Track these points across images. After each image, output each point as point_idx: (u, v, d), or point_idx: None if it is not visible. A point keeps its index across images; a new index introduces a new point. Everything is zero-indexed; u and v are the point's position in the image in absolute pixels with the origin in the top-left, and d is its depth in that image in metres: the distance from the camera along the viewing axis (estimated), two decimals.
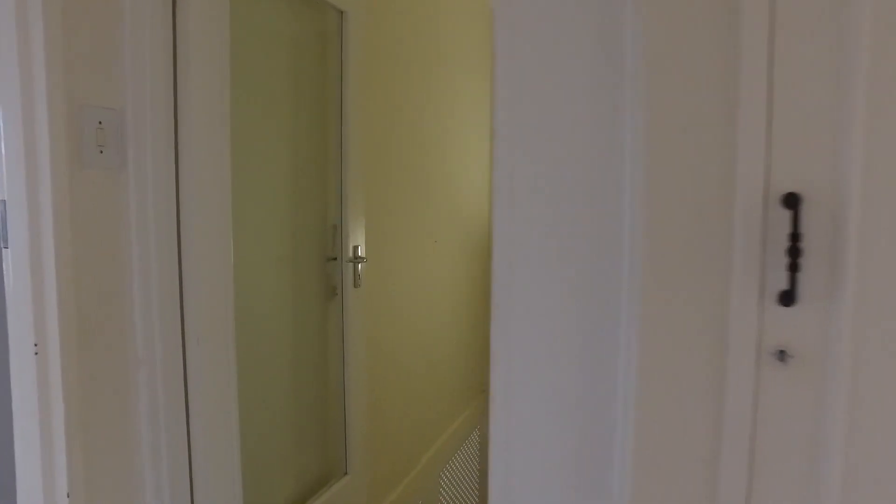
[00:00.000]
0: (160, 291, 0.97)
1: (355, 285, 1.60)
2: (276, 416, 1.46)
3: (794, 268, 0.59)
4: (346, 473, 1.66)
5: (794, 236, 0.59)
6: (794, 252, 0.59)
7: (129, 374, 0.93)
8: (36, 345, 0.81)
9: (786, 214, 0.59)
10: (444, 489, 2.71)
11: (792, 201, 0.59)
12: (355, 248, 1.60)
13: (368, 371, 1.79)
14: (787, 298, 0.59)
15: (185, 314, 1.02)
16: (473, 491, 3.22)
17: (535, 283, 0.73)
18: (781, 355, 0.61)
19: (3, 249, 0.83)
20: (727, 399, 0.63)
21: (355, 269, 1.60)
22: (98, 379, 0.88)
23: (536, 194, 0.71)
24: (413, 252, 2.23)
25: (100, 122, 0.89)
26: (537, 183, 0.71)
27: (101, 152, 0.90)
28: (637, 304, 0.66)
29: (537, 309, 0.73)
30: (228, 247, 1.13)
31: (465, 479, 3.03)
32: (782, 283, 0.59)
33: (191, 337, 1.02)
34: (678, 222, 0.64)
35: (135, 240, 0.94)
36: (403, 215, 2.11)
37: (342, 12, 1.55)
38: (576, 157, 0.69)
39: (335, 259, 1.59)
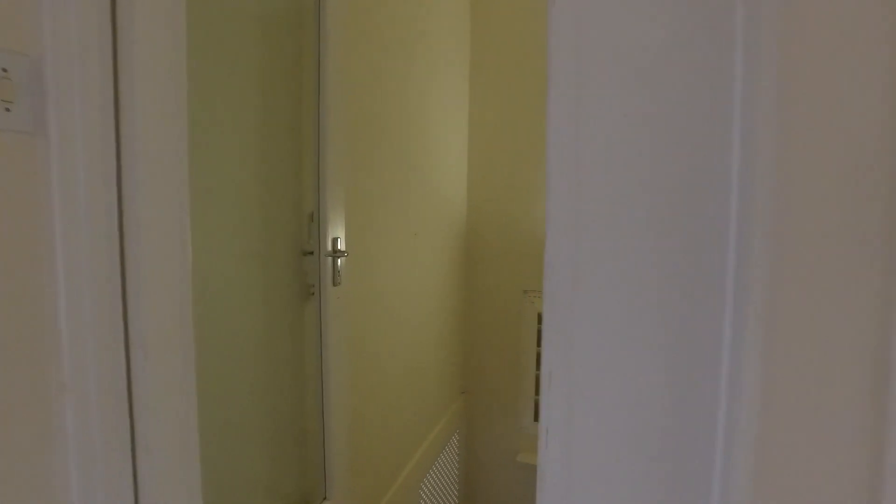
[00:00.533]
0: (95, 294, 0.75)
1: (334, 283, 1.39)
2: (245, 436, 1.25)
3: None
4: (325, 498, 1.46)
5: None
6: None
7: (50, 404, 0.71)
8: None
9: None
10: (423, 501, 2.52)
11: None
12: (335, 240, 1.39)
13: (350, 381, 1.59)
14: None
15: (129, 322, 0.80)
16: (453, 499, 3.04)
17: (607, 285, 0.55)
18: None
19: None
20: (892, 444, 0.46)
21: (334, 264, 1.39)
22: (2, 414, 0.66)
23: (613, 162, 0.53)
24: (394, 246, 2.03)
25: (4, 70, 0.67)
26: (615, 147, 0.53)
27: (8, 110, 0.68)
28: (756, 318, 0.48)
29: (610, 320, 0.55)
30: (185, 237, 0.91)
31: (445, 487, 2.85)
32: None
33: (136, 350, 0.81)
34: (829, 198, 0.46)
35: (59, 226, 0.72)
36: (384, 205, 1.91)
37: None
38: (667, 106, 0.51)
39: (311, 253, 1.38)
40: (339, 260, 1.39)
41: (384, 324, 1.96)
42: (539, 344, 3.27)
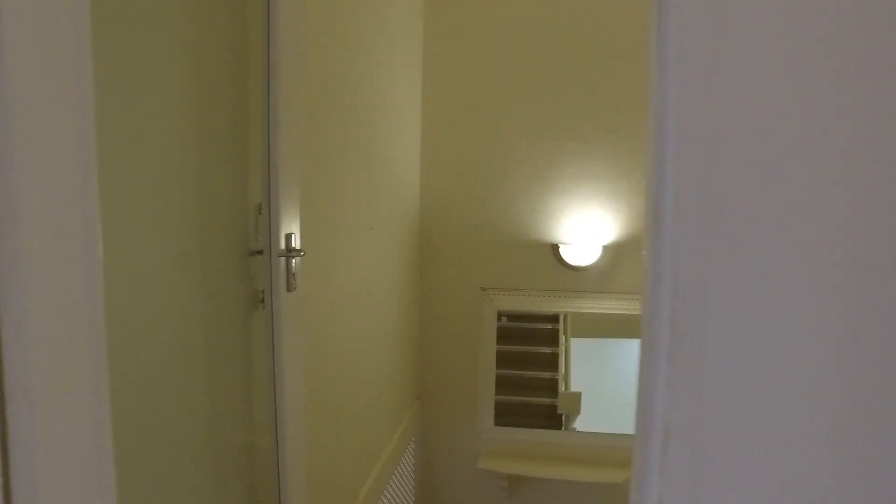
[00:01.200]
0: None
1: (289, 288, 1.16)
2: (186, 473, 1.01)
3: None
4: None
5: None
6: None
7: None
8: None
9: None
10: None
11: None
12: (288, 237, 1.15)
13: (306, 398, 1.35)
14: None
15: (4, 358, 0.55)
16: None
17: (763, 311, 0.36)
18: None
19: None
20: None
21: (288, 265, 1.15)
22: None
23: (767, 118, 0.34)
24: (352, 242, 1.80)
25: None
26: (767, 98, 0.34)
27: None
28: None
29: (764, 360, 0.37)
30: (92, 236, 0.65)
31: (402, 501, 2.65)
32: None
33: (17, 401, 0.56)
34: None
35: None
36: (341, 196, 1.68)
37: None
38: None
39: (260, 253, 1.14)
40: (293, 260, 1.16)
41: (342, 330, 1.73)
42: (500, 343, 3.14)
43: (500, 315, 2.88)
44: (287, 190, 1.12)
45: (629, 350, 4.77)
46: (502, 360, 2.90)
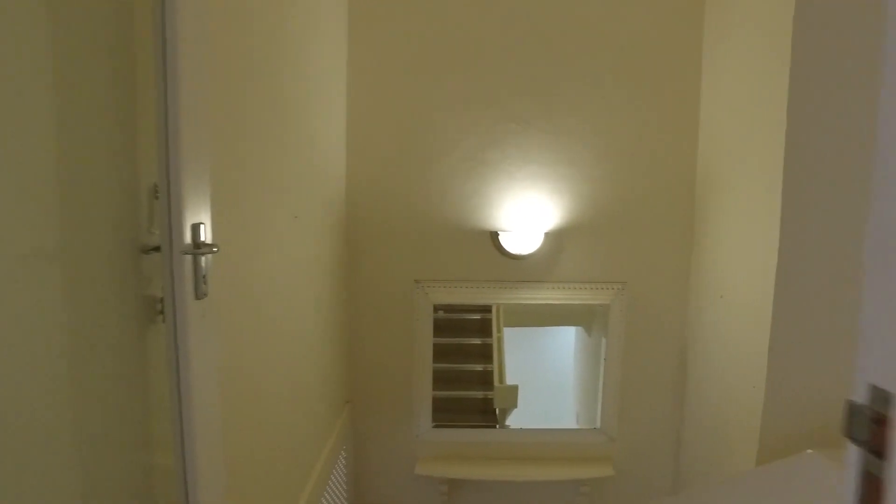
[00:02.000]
0: None
1: (198, 294, 0.89)
2: None
3: None
4: None
5: None
6: None
7: None
8: None
9: None
10: None
11: None
12: (196, 228, 0.88)
13: (221, 426, 1.09)
14: None
15: None
16: None
17: None
18: None
19: None
20: None
21: (197, 265, 0.88)
22: None
23: None
24: (274, 233, 1.52)
25: None
26: None
27: None
28: None
29: None
30: None
31: None
32: None
33: None
34: None
35: None
36: (262, 180, 1.40)
37: None
38: None
39: (157, 250, 0.86)
40: (203, 258, 0.89)
41: (264, 334, 1.46)
42: (438, 335, 2.93)
43: (436, 308, 2.68)
44: (192, 167, 0.85)
45: (559, 338, 4.74)
46: (435, 354, 2.70)
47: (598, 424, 2.73)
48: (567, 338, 4.51)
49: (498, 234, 2.53)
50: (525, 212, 2.53)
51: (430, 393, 2.70)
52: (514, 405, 3.39)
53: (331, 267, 2.27)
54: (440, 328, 2.75)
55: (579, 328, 4.16)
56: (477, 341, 3.87)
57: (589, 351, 3.75)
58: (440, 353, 2.75)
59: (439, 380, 2.76)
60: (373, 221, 2.56)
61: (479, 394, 3.68)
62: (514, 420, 3.52)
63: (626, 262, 2.59)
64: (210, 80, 0.97)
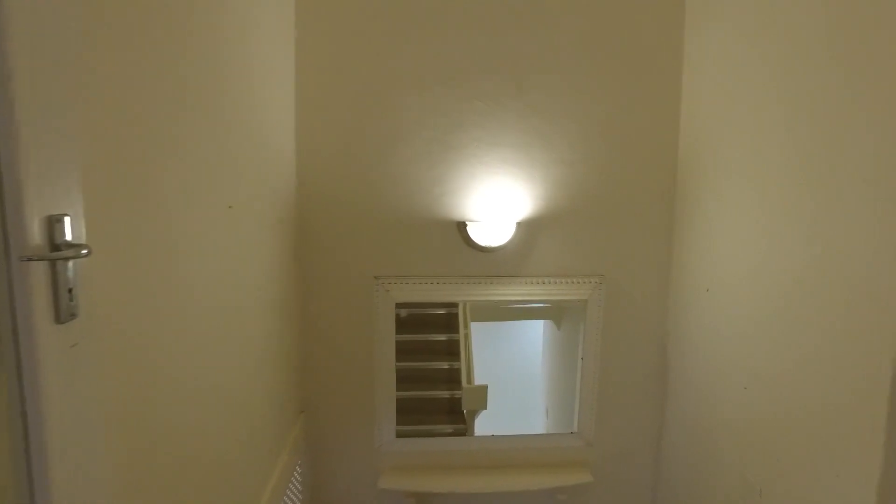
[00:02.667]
0: None
1: (60, 317, 0.63)
2: None
3: None
4: None
5: None
6: None
7: None
8: None
9: None
10: None
11: None
12: (53, 222, 0.62)
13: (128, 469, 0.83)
14: None
15: None
16: None
17: None
18: None
19: None
20: None
21: (56, 275, 0.62)
22: None
23: None
24: (200, 226, 1.25)
25: None
26: None
27: None
28: None
29: None
30: None
31: None
32: None
33: None
34: None
35: None
36: (180, 156, 1.13)
37: None
38: None
39: None
40: (68, 265, 0.63)
41: (185, 351, 1.20)
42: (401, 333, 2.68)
43: (400, 305, 2.43)
44: (42, 128, 0.58)
45: (527, 332, 4.56)
46: (398, 352, 2.46)
47: (575, 428, 2.54)
48: (535, 332, 4.34)
49: (466, 225, 2.30)
50: (495, 200, 2.30)
51: (393, 398, 2.46)
52: (484, 406, 3.18)
53: (278, 263, 2.00)
54: (402, 324, 2.51)
55: (548, 322, 3.99)
56: (442, 338, 3.64)
57: (558, 345, 3.58)
58: (402, 351, 2.51)
59: (403, 379, 2.52)
60: (327, 212, 2.29)
61: (445, 393, 3.45)
62: (481, 418, 3.32)
63: (604, 254, 2.40)
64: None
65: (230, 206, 1.45)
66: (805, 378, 1.60)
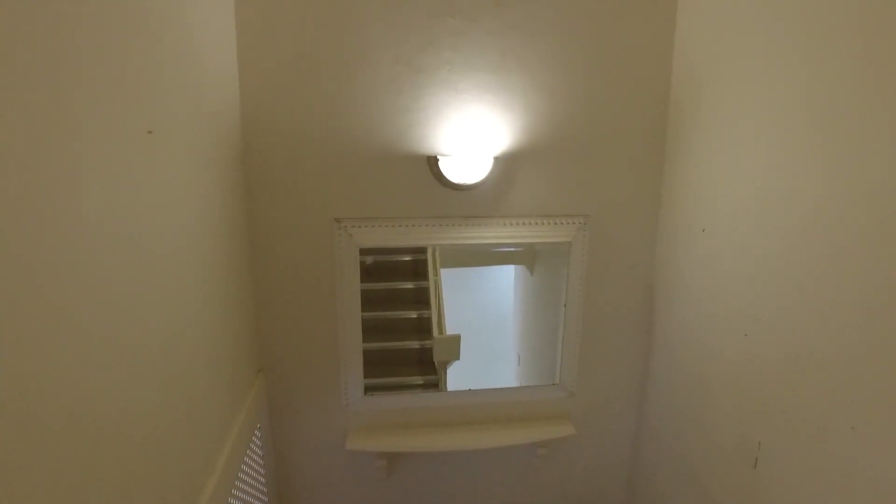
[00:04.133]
0: None
1: None
2: None
3: None
4: None
5: None
6: None
7: None
8: None
9: None
10: None
11: None
12: None
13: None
14: None
15: None
16: None
17: None
18: None
19: None
20: None
21: None
22: None
23: None
24: (102, 155, 0.96)
25: None
26: None
27: None
28: None
29: None
30: None
31: None
32: None
33: None
34: None
35: None
36: (74, 71, 0.84)
37: None
38: None
39: None
40: None
41: (95, 317, 0.94)
42: (365, 280, 2.44)
43: (363, 252, 2.19)
44: None
45: (498, 278, 4.40)
46: (362, 301, 2.24)
47: (557, 379, 2.39)
48: (506, 278, 4.18)
49: (437, 160, 2.04)
50: (470, 132, 2.04)
51: (359, 352, 2.25)
52: (456, 357, 3.01)
53: (222, 204, 1.71)
54: (367, 273, 2.28)
55: (520, 267, 3.82)
56: (410, 285, 3.41)
57: (531, 291, 3.42)
58: (368, 301, 2.29)
59: (369, 330, 2.31)
60: (279, 146, 1.99)
61: (415, 344, 3.26)
62: (453, 369, 3.16)
63: (590, 193, 2.19)
64: None
65: (150, 132, 1.15)
66: (816, 323, 1.44)
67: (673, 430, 2.20)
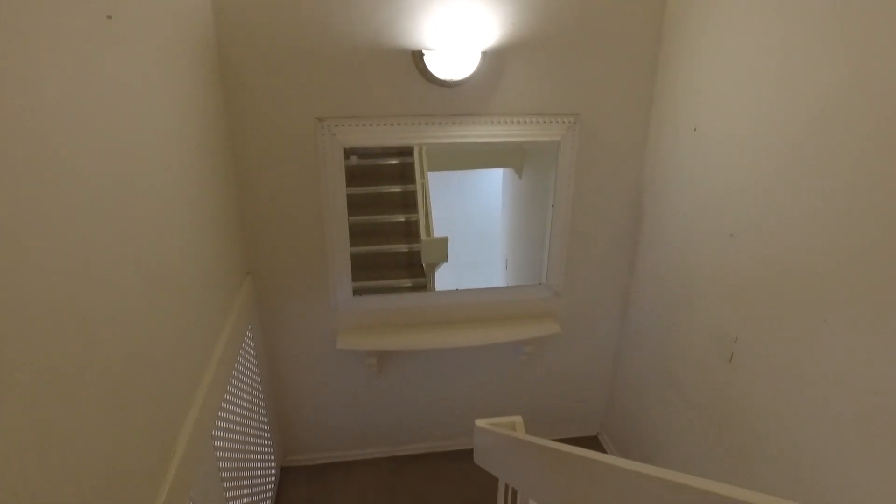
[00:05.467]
0: None
1: None
2: None
3: None
4: None
5: None
6: None
7: None
8: None
9: None
10: (221, 447, 1.69)
11: None
12: None
13: None
14: None
15: None
16: (261, 424, 2.25)
17: None
18: None
19: None
20: None
21: None
22: None
23: None
24: (56, 43, 0.89)
25: None
26: None
27: None
28: None
29: None
30: None
31: (247, 410, 2.03)
32: None
33: None
34: None
35: None
36: None
37: None
38: None
39: None
40: None
41: (62, 221, 0.91)
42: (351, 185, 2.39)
43: (348, 152, 2.14)
44: None
45: (485, 181, 4.36)
46: (349, 206, 2.22)
47: (543, 279, 2.43)
48: (494, 181, 4.14)
49: (422, 55, 1.95)
50: (457, 24, 1.93)
51: (347, 254, 2.26)
52: (444, 259, 3.03)
53: (198, 106, 1.63)
54: (353, 177, 2.24)
55: (508, 170, 3.78)
56: (397, 189, 3.38)
57: (519, 194, 3.40)
58: (354, 205, 2.27)
59: (356, 234, 2.31)
60: (254, 41, 1.88)
61: (403, 247, 3.28)
62: (441, 272, 3.20)
63: (581, 90, 2.11)
64: None
65: (109, 17, 1.07)
66: (799, 225, 1.45)
67: (655, 328, 2.27)
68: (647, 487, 0.65)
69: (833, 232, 1.34)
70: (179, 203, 1.46)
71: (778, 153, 1.51)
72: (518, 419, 1.60)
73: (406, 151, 3.22)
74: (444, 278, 2.91)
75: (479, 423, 1.58)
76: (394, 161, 3.24)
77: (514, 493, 1.61)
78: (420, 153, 3.26)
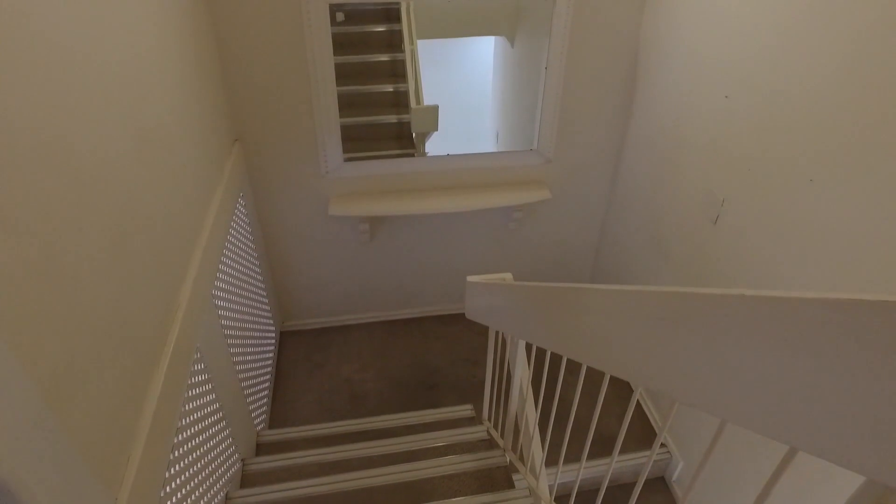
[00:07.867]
0: None
1: None
2: None
3: None
4: None
5: None
6: None
7: None
8: None
9: None
10: (221, 307, 1.75)
11: None
12: None
13: None
14: None
15: None
16: (258, 292, 2.32)
17: None
18: None
19: None
20: None
21: None
22: None
23: None
24: None
25: None
26: None
27: None
28: None
29: None
30: None
31: (243, 278, 2.08)
32: None
33: None
34: None
35: None
36: None
37: None
38: None
39: None
40: None
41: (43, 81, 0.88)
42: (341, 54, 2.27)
43: (333, 10, 2.02)
44: None
45: (477, 50, 4.19)
46: (337, 76, 2.14)
47: (535, 145, 2.41)
48: (485, 52, 3.98)
49: None
50: None
51: (336, 121, 2.21)
52: (435, 128, 2.99)
53: None
54: (340, 45, 2.14)
55: (500, 39, 3.61)
56: (385, 58, 3.24)
57: (512, 64, 3.29)
58: (343, 76, 2.19)
59: (345, 105, 2.25)
60: None
61: (392, 118, 3.21)
62: (431, 145, 3.17)
63: None
64: None
65: None
66: (793, 85, 1.42)
67: (644, 192, 2.30)
68: (636, 299, 0.70)
69: (825, 89, 1.33)
70: (162, 60, 1.39)
71: (778, 11, 1.45)
72: (508, 275, 1.66)
73: (394, 15, 3.05)
74: (435, 150, 2.89)
75: (471, 278, 1.64)
76: (381, 28, 3.08)
77: (504, 343, 1.71)
78: (409, 14, 3.09)
